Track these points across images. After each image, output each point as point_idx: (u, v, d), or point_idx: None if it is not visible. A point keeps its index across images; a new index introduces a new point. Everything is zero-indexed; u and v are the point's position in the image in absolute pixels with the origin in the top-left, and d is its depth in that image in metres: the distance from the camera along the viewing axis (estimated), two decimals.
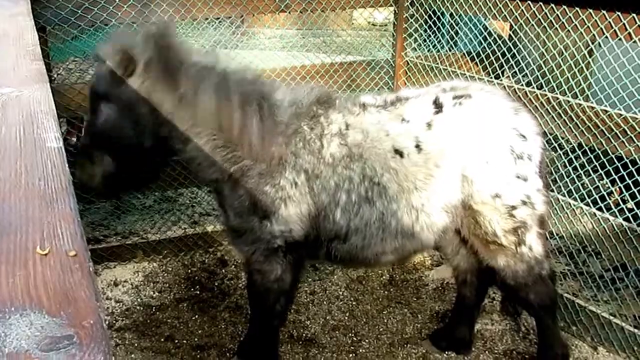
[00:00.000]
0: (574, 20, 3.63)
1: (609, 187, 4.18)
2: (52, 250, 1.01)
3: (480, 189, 3.02)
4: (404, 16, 4.99)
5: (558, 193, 3.98)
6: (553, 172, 4.09)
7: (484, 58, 4.63)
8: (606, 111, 3.53)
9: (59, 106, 4.16)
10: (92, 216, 5.24)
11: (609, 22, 3.43)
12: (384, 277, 4.56)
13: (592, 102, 3.85)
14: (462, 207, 3.09)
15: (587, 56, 4.42)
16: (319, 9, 4.83)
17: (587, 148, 3.79)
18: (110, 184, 3.17)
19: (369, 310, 4.22)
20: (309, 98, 3.16)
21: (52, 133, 1.50)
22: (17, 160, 1.35)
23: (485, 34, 5.12)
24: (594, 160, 3.77)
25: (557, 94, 3.89)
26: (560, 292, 3.94)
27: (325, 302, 4.30)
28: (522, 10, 3.94)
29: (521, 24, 4.04)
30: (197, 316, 4.13)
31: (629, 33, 3.34)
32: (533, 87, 4.12)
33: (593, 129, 3.61)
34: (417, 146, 3.04)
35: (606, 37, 3.50)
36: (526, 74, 4.48)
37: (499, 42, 4.59)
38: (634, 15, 3.29)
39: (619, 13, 3.36)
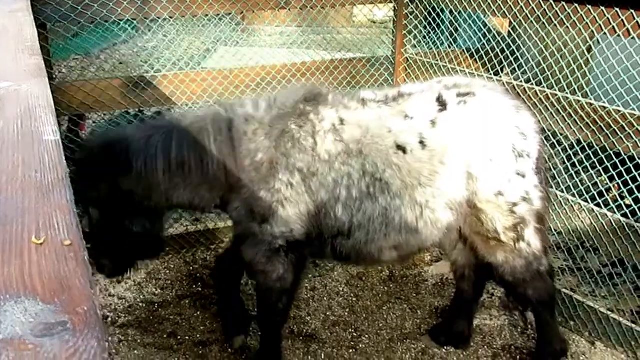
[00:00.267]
0: (572, 16, 3.64)
1: (607, 184, 4.20)
2: (48, 240, 1.02)
3: (485, 187, 3.05)
4: (404, 13, 5.00)
5: (557, 189, 4.00)
6: (552, 168, 4.11)
7: (484, 55, 4.65)
8: (605, 108, 3.55)
9: (60, 104, 4.21)
10: None
11: (608, 18, 3.44)
12: (383, 273, 4.59)
13: (590, 99, 3.86)
14: (466, 205, 3.10)
15: (586, 53, 4.44)
16: (318, 5, 4.85)
17: (585, 144, 3.81)
18: (124, 264, 3.43)
19: (369, 306, 4.25)
20: (295, 97, 3.17)
21: (50, 126, 1.52)
22: (14, 153, 1.37)
23: (485, 30, 5.13)
24: (592, 156, 3.79)
25: (556, 90, 3.91)
26: (558, 288, 3.96)
27: (325, 298, 4.33)
28: (521, 6, 3.96)
29: (520, 20, 4.06)
30: (199, 313, 4.16)
31: (628, 30, 3.35)
32: (532, 84, 4.14)
33: (592, 126, 3.63)
34: (422, 142, 3.05)
35: (605, 33, 3.52)
36: (525, 70, 4.49)
37: (499, 38, 4.60)
38: (633, 11, 3.31)
39: (618, 9, 3.37)
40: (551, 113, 3.86)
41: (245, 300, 4.21)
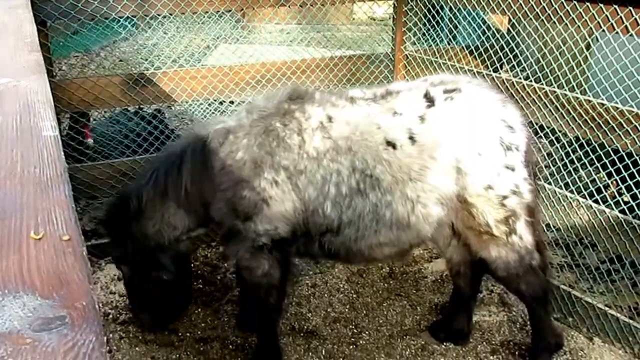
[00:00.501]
0: (571, 13, 3.65)
1: (605, 180, 4.21)
2: (46, 235, 1.02)
3: (474, 181, 3.06)
4: (403, 10, 5.01)
5: (555, 186, 4.02)
6: (550, 164, 4.12)
7: (483, 52, 4.66)
8: (603, 105, 3.56)
9: (60, 101, 4.22)
10: (96, 211, 5.25)
11: (606, 15, 3.45)
12: (384, 269, 4.60)
13: (589, 96, 3.87)
14: (457, 199, 3.12)
15: (585, 50, 4.44)
16: (318, 2, 4.86)
17: (584, 141, 3.83)
18: (163, 316, 3.73)
19: (369, 302, 4.26)
20: (278, 98, 3.22)
21: (49, 122, 1.52)
22: (13, 148, 1.38)
23: (484, 27, 5.14)
24: (591, 153, 3.80)
25: (555, 87, 3.92)
26: (556, 284, 3.98)
27: (326, 295, 4.35)
28: (520, 3, 3.96)
29: (519, 17, 4.07)
30: (200, 309, 4.18)
31: (626, 26, 3.36)
32: (531, 81, 4.14)
33: (590, 123, 3.64)
34: (411, 138, 3.07)
35: (603, 31, 3.53)
36: (524, 67, 4.50)
37: (498, 36, 4.61)
38: (631, 8, 3.31)
39: (616, 7, 3.38)
40: (550, 110, 3.87)
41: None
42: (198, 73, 4.67)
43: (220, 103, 6.52)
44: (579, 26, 3.66)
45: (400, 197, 3.08)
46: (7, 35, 2.54)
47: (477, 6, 4.36)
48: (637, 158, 3.53)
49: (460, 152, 3.05)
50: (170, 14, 4.69)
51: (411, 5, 4.98)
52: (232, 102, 6.49)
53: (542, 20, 3.87)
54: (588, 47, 4.59)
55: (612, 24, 3.43)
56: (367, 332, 3.97)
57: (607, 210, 3.66)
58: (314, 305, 4.23)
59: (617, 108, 3.49)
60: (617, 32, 3.43)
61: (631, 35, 3.36)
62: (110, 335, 3.86)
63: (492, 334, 3.94)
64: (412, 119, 3.09)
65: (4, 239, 1.02)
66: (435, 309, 4.19)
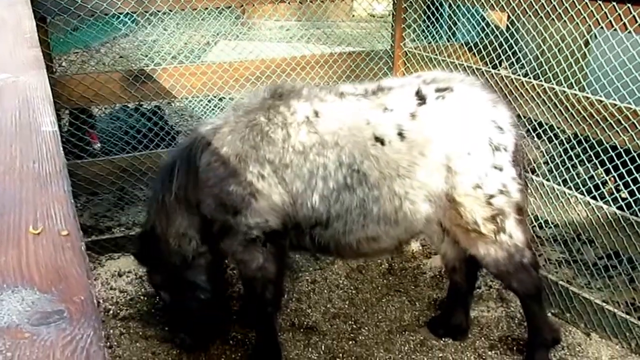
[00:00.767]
0: (570, 10, 3.66)
1: (603, 177, 4.22)
2: (45, 230, 1.02)
3: (463, 180, 3.09)
4: (403, 7, 5.01)
5: (554, 182, 4.03)
6: (549, 161, 4.14)
7: (482, 48, 4.66)
8: (601, 101, 3.57)
9: (60, 97, 4.23)
10: (96, 207, 5.28)
11: (605, 12, 3.46)
12: (383, 265, 4.62)
13: (587, 93, 3.88)
14: (445, 198, 3.14)
15: (583, 47, 4.45)
16: None
17: (582, 138, 3.84)
18: (202, 335, 3.74)
19: (369, 298, 4.28)
20: (262, 94, 3.27)
21: (48, 117, 1.52)
22: (12, 144, 1.38)
23: (483, 24, 5.14)
24: (588, 149, 3.81)
25: (553, 84, 3.93)
26: (554, 280, 4.00)
27: (325, 291, 4.36)
28: (519, 0, 3.97)
29: (518, 14, 4.07)
30: None
31: (624, 24, 3.37)
32: (530, 78, 4.16)
33: (588, 119, 3.65)
34: (400, 134, 3.08)
35: (601, 27, 3.54)
36: (523, 64, 4.51)
37: (497, 32, 4.62)
38: (629, 5, 3.32)
39: (615, 3, 3.39)
40: (549, 107, 3.88)
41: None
42: (198, 69, 4.68)
43: (220, 99, 6.53)
44: (577, 23, 3.67)
45: (388, 192, 3.10)
46: (6, 31, 2.54)
47: (476, 3, 4.37)
48: (635, 155, 3.54)
49: (450, 150, 3.07)
50: (170, 10, 4.70)
51: (411, 2, 4.99)
52: (231, 99, 6.50)
53: (541, 17, 3.88)
54: (586, 44, 4.60)
55: (610, 21, 3.44)
56: (366, 328, 3.99)
57: (605, 206, 3.67)
58: (314, 301, 4.25)
59: (615, 105, 3.50)
60: (615, 30, 3.44)
61: (629, 32, 3.37)
62: (111, 331, 3.88)
63: (491, 329, 3.95)
64: (403, 116, 3.11)
65: (2, 234, 1.02)
66: (433, 304, 4.21)
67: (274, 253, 3.29)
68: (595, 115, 3.59)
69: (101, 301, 4.15)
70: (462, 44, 5.23)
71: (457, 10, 5.29)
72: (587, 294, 3.88)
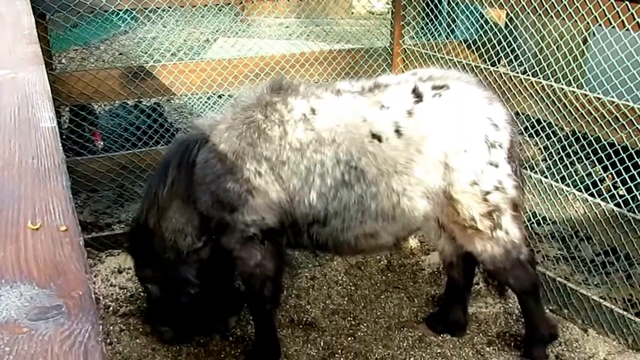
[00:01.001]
0: (568, 8, 3.66)
1: (601, 174, 4.23)
2: (44, 225, 1.03)
3: (460, 177, 3.11)
4: (402, 4, 5.01)
5: (551, 179, 4.04)
6: (547, 158, 4.15)
7: (481, 46, 4.67)
8: (599, 99, 3.58)
9: (60, 94, 4.24)
10: (96, 204, 5.29)
11: (603, 10, 3.46)
12: (381, 262, 4.64)
13: (585, 90, 3.89)
14: (443, 195, 3.16)
15: (582, 44, 4.46)
16: None
17: (580, 135, 3.85)
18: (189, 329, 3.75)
19: (367, 294, 4.30)
20: (259, 91, 3.27)
21: (46, 113, 1.53)
22: (11, 139, 1.38)
23: (482, 21, 5.15)
24: (587, 147, 3.82)
25: (551, 81, 3.94)
26: (552, 276, 4.02)
27: (325, 287, 4.38)
28: None
29: (517, 11, 4.08)
30: None
31: (623, 21, 3.37)
32: (528, 75, 4.16)
33: (586, 116, 3.66)
34: (397, 131, 3.10)
35: (600, 25, 3.54)
36: (522, 61, 4.52)
37: (496, 30, 4.63)
38: (627, 2, 3.33)
39: (613, 1, 3.39)
40: (547, 104, 3.89)
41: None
42: (197, 66, 4.68)
43: (219, 97, 6.53)
44: (575, 20, 3.67)
45: (385, 189, 3.12)
46: (5, 27, 2.54)
47: (475, 0, 4.37)
48: (633, 152, 3.55)
49: (448, 148, 3.09)
50: (170, 7, 4.70)
51: None
52: (230, 96, 6.50)
53: (540, 14, 3.88)
54: (585, 41, 4.61)
55: (608, 18, 3.44)
56: (365, 324, 4.00)
57: (602, 203, 3.68)
58: (313, 298, 4.26)
59: (613, 102, 3.51)
60: (613, 27, 3.44)
61: (627, 29, 3.37)
62: (111, 327, 3.89)
63: (489, 325, 3.97)
64: (400, 113, 3.12)
65: (1, 229, 1.02)
66: (432, 301, 4.23)
67: (272, 250, 3.30)
68: (594, 113, 3.60)
69: (101, 298, 4.16)
70: (461, 41, 5.23)
71: (456, 8, 5.30)
72: (584, 290, 3.89)
